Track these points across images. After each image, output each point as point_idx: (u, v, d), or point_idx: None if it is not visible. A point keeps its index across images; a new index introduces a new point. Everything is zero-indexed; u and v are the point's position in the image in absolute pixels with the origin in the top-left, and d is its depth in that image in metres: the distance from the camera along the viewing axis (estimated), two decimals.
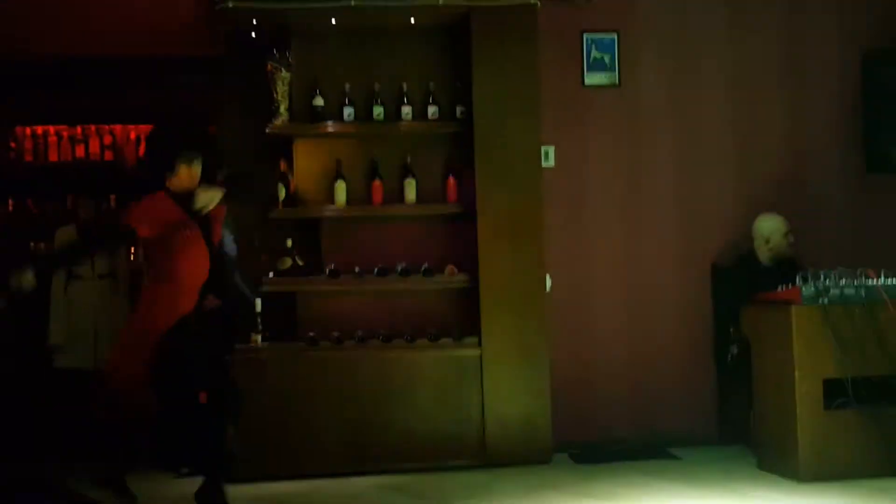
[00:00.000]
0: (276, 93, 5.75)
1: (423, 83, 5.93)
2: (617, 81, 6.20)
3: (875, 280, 5.10)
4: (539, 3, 5.75)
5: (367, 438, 5.61)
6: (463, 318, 5.83)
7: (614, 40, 6.19)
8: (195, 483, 4.61)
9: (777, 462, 5.21)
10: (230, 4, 5.62)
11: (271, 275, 5.74)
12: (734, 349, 5.66)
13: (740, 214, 6.17)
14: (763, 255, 5.90)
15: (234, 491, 4.68)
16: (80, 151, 8.40)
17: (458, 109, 5.88)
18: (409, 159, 5.92)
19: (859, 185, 6.32)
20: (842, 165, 6.32)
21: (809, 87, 6.35)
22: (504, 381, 5.68)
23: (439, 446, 5.63)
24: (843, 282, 5.09)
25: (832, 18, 6.35)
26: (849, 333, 5.04)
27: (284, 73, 5.74)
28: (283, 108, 5.76)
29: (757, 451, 5.45)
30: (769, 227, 5.88)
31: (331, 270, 5.76)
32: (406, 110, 5.87)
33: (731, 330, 5.67)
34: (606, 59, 6.19)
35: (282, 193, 5.78)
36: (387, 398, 5.64)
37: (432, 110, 5.89)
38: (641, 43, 6.22)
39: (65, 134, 8.40)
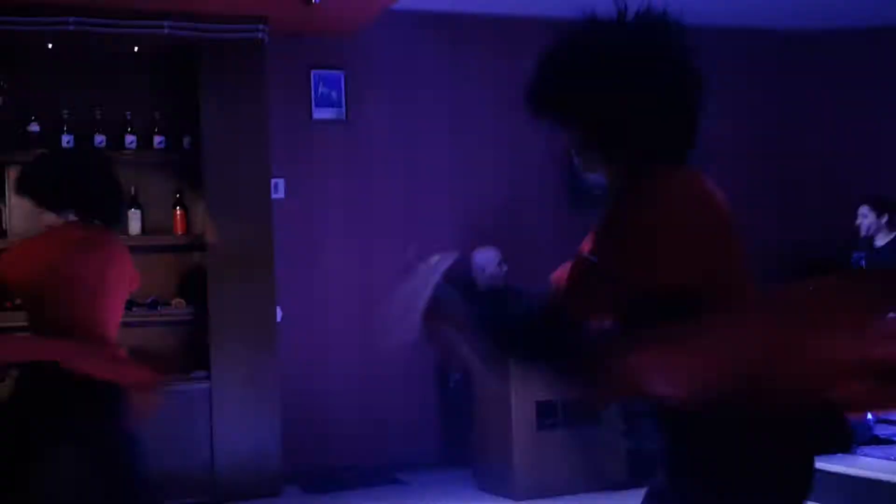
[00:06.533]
0: None
1: (150, 112, 5.79)
2: (345, 116, 6.36)
3: None
4: (266, 39, 5.78)
5: None
6: (193, 352, 5.74)
7: (341, 77, 6.34)
8: None
9: (496, 482, 5.51)
10: None
11: None
12: (457, 375, 5.95)
13: (461, 244, 6.46)
14: (481, 283, 6.26)
15: None
16: None
17: (186, 140, 5.80)
18: (133, 189, 5.76)
19: (567, 218, 6.79)
20: (551, 200, 6.77)
21: (523, 127, 6.73)
22: (234, 414, 5.64)
23: (168, 484, 5.46)
24: None
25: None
26: None
27: None
28: None
29: (477, 473, 5.74)
30: (484, 258, 6.25)
31: None
32: (130, 139, 5.70)
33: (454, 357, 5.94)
34: (334, 94, 6.33)
35: None
36: None
37: (158, 140, 5.77)
38: (367, 80, 6.40)
39: None
